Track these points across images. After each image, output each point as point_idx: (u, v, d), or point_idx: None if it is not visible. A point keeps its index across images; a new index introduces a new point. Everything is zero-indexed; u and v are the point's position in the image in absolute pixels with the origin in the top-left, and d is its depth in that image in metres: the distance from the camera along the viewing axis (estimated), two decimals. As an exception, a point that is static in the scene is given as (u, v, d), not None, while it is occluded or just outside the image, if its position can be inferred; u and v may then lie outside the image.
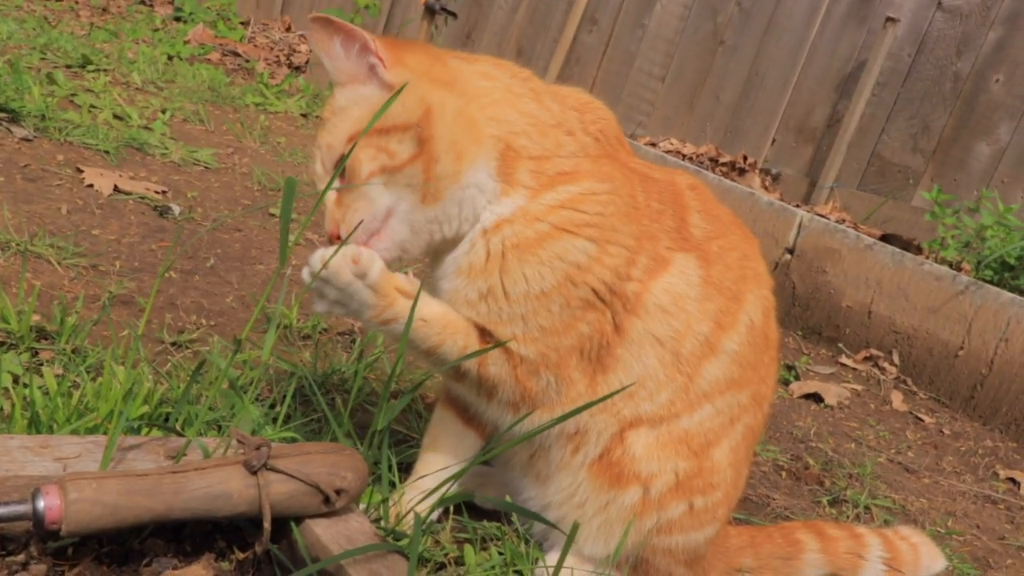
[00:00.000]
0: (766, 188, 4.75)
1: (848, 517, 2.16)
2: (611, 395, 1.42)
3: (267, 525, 1.16)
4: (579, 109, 1.52)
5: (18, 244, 2.23)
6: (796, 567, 1.80)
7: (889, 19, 4.52)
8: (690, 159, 4.88)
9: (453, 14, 5.73)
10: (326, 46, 1.39)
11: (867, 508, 2.23)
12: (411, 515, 1.44)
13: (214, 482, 1.15)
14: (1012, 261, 3.45)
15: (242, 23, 7.23)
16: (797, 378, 3.04)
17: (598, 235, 1.39)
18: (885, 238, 3.64)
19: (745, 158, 4.92)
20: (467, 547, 1.51)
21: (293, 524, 1.21)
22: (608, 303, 1.41)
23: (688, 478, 1.48)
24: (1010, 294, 3.12)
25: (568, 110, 1.50)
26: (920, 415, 3.03)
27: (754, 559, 1.76)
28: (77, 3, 6.87)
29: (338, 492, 1.21)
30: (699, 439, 1.49)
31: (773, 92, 4.98)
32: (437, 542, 1.52)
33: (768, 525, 1.90)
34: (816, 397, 2.91)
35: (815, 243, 3.58)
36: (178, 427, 1.45)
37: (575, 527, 1.22)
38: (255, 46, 6.60)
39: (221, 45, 6.26)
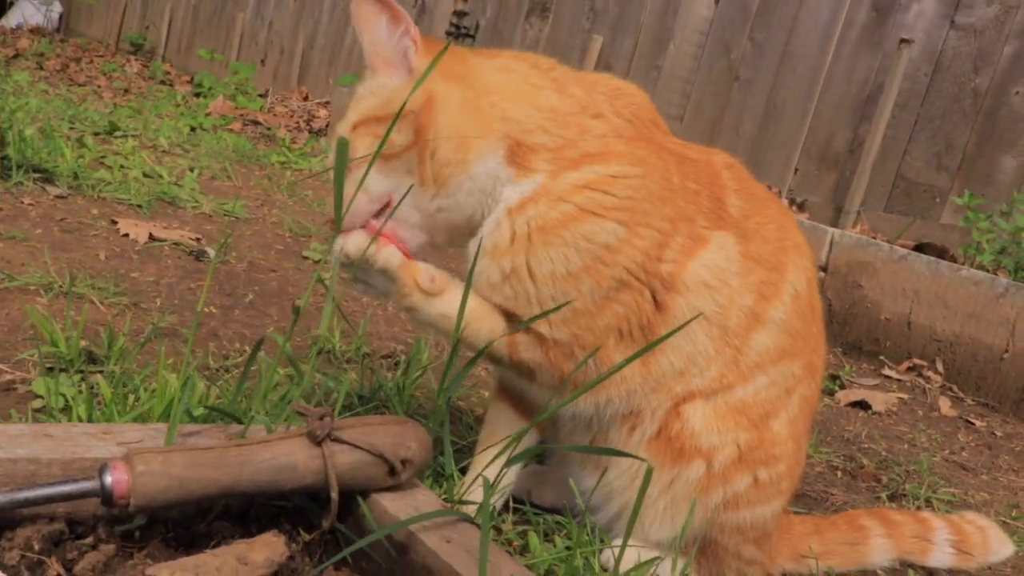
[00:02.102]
0: (792, 215, 4.74)
1: (910, 509, 2.11)
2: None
3: (334, 495, 1.14)
4: (609, 94, 1.51)
5: (61, 285, 2.25)
6: (863, 552, 1.76)
7: (903, 40, 4.55)
8: (714, 192, 4.88)
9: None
10: (372, 21, 1.38)
11: (928, 501, 2.18)
12: (475, 496, 1.42)
13: (279, 454, 1.14)
14: (1050, 263, 3.42)
15: (260, 95, 7.37)
16: (842, 387, 3.00)
17: (628, 218, 1.37)
18: (919, 248, 3.62)
19: (769, 188, 4.93)
20: (531, 534, 1.48)
21: (360, 499, 1.20)
22: (644, 282, 1.40)
23: (750, 449, 1.46)
24: (1051, 293, 3.09)
25: (596, 94, 1.48)
26: (970, 419, 2.98)
27: (820, 545, 1.72)
28: (100, 86, 7.02)
29: (403, 463, 1.19)
30: (757, 409, 1.47)
31: (792, 122, 5.00)
32: (499, 531, 1.50)
33: (831, 515, 1.87)
34: (863, 404, 2.87)
35: (848, 258, 3.56)
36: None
37: (650, 471, 1.20)
38: (274, 115, 6.71)
39: (242, 115, 6.37)
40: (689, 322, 1.39)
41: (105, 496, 1.06)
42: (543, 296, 1.38)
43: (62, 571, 1.07)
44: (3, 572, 1.05)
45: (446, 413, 1.44)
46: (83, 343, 1.83)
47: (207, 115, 6.05)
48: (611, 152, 1.41)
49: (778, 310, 1.47)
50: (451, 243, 1.49)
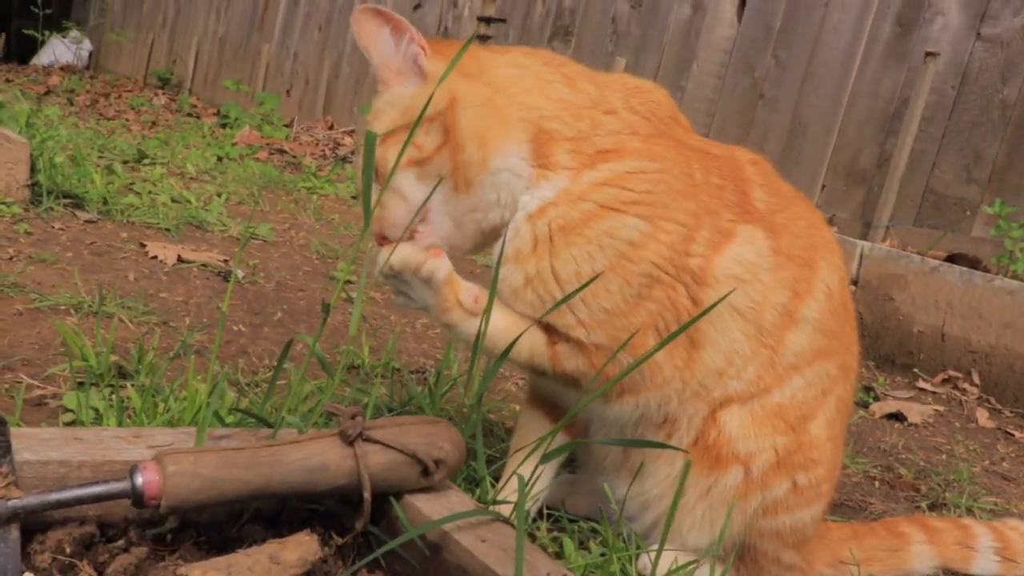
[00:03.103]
0: (821, 232, 4.70)
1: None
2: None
3: (367, 495, 1.13)
4: (625, 92, 1.50)
5: (90, 305, 2.25)
6: (904, 559, 1.73)
7: (928, 54, 4.51)
8: (741, 210, 4.85)
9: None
10: (375, 36, 1.39)
11: (969, 510, 2.14)
12: (510, 498, 1.40)
13: (311, 454, 1.12)
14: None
15: (286, 125, 7.42)
16: (877, 399, 2.96)
17: (649, 212, 1.35)
18: (951, 259, 3.58)
19: (796, 204, 4.88)
20: (565, 538, 1.46)
21: (393, 500, 1.18)
22: (676, 276, 1.37)
23: (788, 454, 1.43)
24: (1088, 301, 3.04)
25: (610, 91, 1.47)
26: (1009, 430, 2.93)
27: (859, 551, 1.69)
28: (128, 119, 7.09)
29: (437, 463, 1.18)
30: (794, 412, 1.44)
31: (817, 139, 4.97)
32: (533, 537, 1.48)
33: (869, 522, 1.83)
34: (899, 416, 2.83)
35: (879, 271, 3.52)
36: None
37: (688, 464, 1.18)
38: (300, 143, 6.75)
39: (268, 144, 6.41)
40: (717, 304, 1.34)
41: (136, 497, 1.05)
42: (573, 299, 1.36)
43: (93, 573, 1.05)
44: (35, 575, 1.04)
45: (478, 420, 1.42)
46: (113, 358, 1.83)
47: (233, 144, 6.09)
48: (626, 149, 1.40)
49: (812, 308, 1.45)
50: (475, 250, 1.49)
